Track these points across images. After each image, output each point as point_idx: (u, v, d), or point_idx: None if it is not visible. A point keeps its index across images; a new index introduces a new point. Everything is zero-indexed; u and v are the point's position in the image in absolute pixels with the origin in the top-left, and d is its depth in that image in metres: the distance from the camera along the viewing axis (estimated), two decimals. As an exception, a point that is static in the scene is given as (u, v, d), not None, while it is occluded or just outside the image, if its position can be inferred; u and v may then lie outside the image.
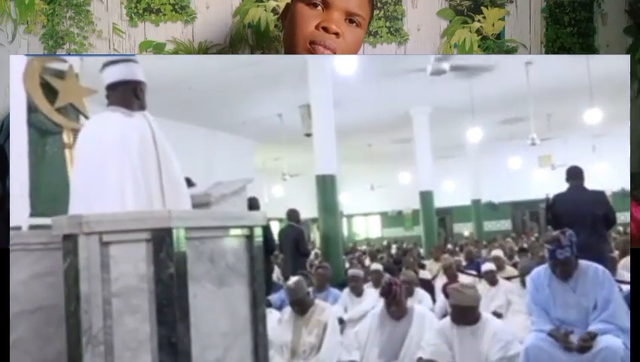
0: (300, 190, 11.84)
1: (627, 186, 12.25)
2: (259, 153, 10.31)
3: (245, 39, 2.96)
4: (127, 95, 1.69)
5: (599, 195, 3.77)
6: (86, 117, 2.38)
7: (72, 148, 2.24)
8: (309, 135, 6.66)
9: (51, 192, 2.21)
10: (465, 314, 2.53)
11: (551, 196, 3.84)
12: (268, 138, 9.38)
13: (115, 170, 1.54)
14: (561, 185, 3.90)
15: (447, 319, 2.66)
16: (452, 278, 3.68)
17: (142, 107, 1.71)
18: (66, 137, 2.25)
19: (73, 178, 1.68)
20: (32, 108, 2.21)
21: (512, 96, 7.83)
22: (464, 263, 5.74)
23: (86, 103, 2.36)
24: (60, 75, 2.30)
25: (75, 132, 2.30)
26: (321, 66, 5.61)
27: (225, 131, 8.72)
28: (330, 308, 3.03)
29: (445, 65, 5.53)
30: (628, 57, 3.08)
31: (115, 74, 1.71)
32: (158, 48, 2.92)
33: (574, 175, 3.85)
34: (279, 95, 7.09)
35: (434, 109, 8.27)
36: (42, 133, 2.24)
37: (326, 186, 5.52)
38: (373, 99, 7.64)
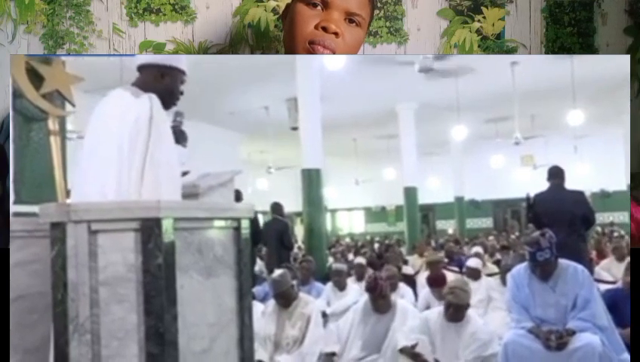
0: (284, 183, 11.83)
1: (606, 187, 12.40)
2: (244, 145, 10.27)
3: (245, 39, 2.96)
4: (148, 77, 1.66)
5: (579, 195, 3.84)
6: (72, 104, 2.35)
7: (58, 135, 2.22)
8: (295, 128, 6.66)
9: (35, 179, 2.18)
10: (461, 311, 2.58)
11: (532, 195, 3.89)
12: (254, 130, 9.35)
13: (105, 150, 1.50)
14: (542, 185, 3.96)
15: (432, 312, 2.70)
16: (437, 274, 3.72)
17: (167, 94, 1.65)
18: (52, 124, 2.22)
19: (78, 157, 1.64)
20: (17, 94, 2.18)
21: (497, 96, 7.91)
22: (445, 260, 5.80)
23: (72, 90, 2.33)
24: (46, 60, 2.27)
25: (61, 119, 2.28)
26: (309, 61, 5.61)
27: (210, 123, 8.67)
28: (313, 301, 3.05)
29: (433, 63, 5.56)
30: (628, 57, 3.10)
31: (148, 57, 1.69)
32: (158, 48, 2.91)
33: (555, 175, 3.91)
34: (266, 88, 7.07)
35: (420, 106, 8.32)
36: (27, 119, 2.21)
37: (311, 180, 5.53)
38: (360, 95, 7.66)
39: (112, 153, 1.47)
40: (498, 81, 7.11)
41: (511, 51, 3.04)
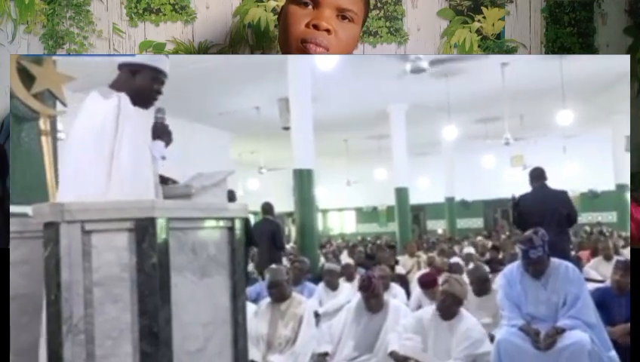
0: (275, 183, 11.82)
1: (595, 187, 12.46)
2: (235, 145, 10.25)
3: (245, 39, 2.96)
4: (121, 77, 1.68)
5: (562, 195, 3.91)
6: (63, 103, 2.34)
7: (49, 135, 2.21)
8: (286, 129, 6.66)
9: (27, 180, 2.17)
10: (453, 304, 2.59)
11: (517, 196, 3.94)
12: (245, 130, 9.33)
13: (77, 152, 1.53)
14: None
15: (425, 311, 2.71)
16: (428, 275, 3.74)
17: (140, 93, 1.65)
18: (43, 124, 2.20)
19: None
20: (12, 94, 2.17)
21: (488, 96, 7.96)
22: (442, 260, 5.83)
23: (64, 90, 2.32)
24: (37, 60, 2.25)
25: (52, 119, 2.27)
26: (301, 62, 5.61)
27: (201, 123, 8.64)
28: (306, 301, 3.05)
29: (425, 64, 5.58)
30: (628, 57, 3.11)
31: (128, 57, 1.70)
32: (158, 48, 2.91)
33: (537, 176, 3.98)
34: (257, 88, 7.06)
35: (411, 107, 8.35)
36: (18, 119, 2.20)
37: (303, 180, 5.53)
38: (351, 95, 7.67)
39: (81, 154, 1.50)
40: (488, 82, 7.16)
41: (511, 51, 3.05)
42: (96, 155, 1.49)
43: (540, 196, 3.87)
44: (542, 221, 3.65)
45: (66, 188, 1.51)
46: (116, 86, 1.65)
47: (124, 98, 1.59)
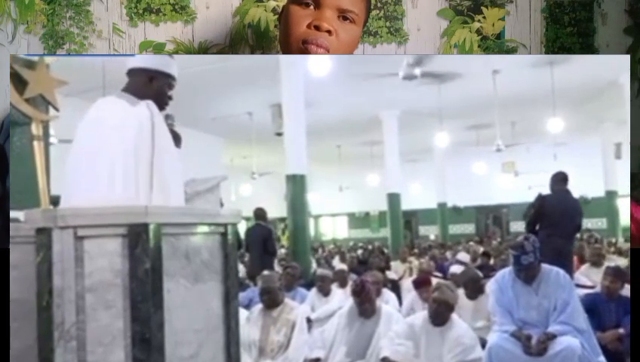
0: (268, 189, 11.81)
1: (586, 194, 12.55)
2: (227, 151, 10.24)
3: (245, 39, 2.97)
4: (137, 82, 1.63)
5: (578, 203, 3.99)
6: (56, 108, 2.33)
7: (41, 140, 2.19)
8: (279, 134, 6.66)
9: (18, 185, 2.16)
10: (444, 310, 2.60)
11: (542, 194, 4.00)
12: (237, 136, 9.33)
13: (107, 158, 1.46)
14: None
15: (417, 317, 2.72)
16: (422, 275, 3.76)
17: (156, 99, 1.62)
18: (35, 129, 2.19)
19: (67, 163, 1.58)
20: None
21: (479, 103, 8.01)
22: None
23: (56, 95, 2.31)
24: (30, 65, 2.24)
25: (45, 123, 2.26)
26: (294, 66, 5.62)
27: (193, 128, 8.63)
28: (298, 307, 3.05)
29: (417, 71, 5.61)
30: (628, 57, 3.12)
31: (137, 60, 1.66)
32: (158, 48, 2.91)
33: (560, 180, 4.04)
34: (250, 93, 7.07)
35: (403, 113, 8.39)
36: (12, 123, 2.19)
37: (296, 186, 5.54)
38: (344, 101, 7.70)
39: (115, 163, 1.44)
40: (480, 89, 7.21)
41: (511, 51, 3.06)
42: (135, 164, 1.44)
43: (564, 200, 3.94)
44: (559, 224, 3.72)
45: (84, 195, 1.45)
46: (133, 92, 1.61)
47: (153, 106, 1.56)
